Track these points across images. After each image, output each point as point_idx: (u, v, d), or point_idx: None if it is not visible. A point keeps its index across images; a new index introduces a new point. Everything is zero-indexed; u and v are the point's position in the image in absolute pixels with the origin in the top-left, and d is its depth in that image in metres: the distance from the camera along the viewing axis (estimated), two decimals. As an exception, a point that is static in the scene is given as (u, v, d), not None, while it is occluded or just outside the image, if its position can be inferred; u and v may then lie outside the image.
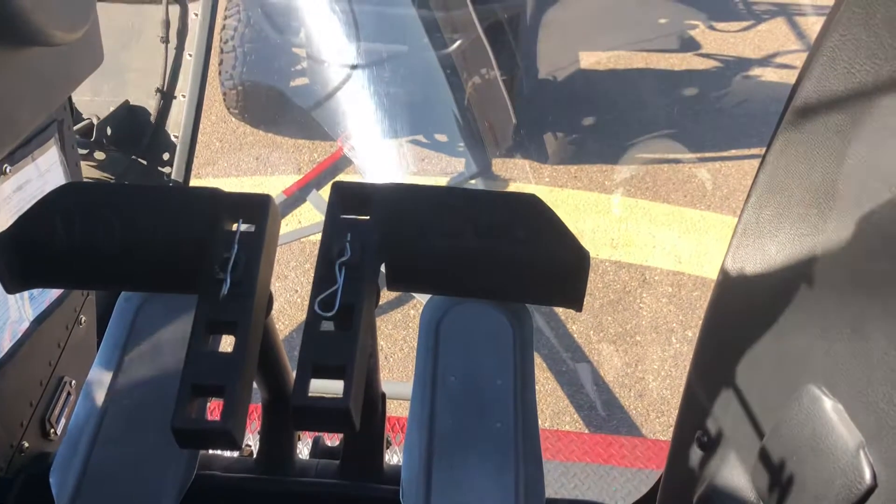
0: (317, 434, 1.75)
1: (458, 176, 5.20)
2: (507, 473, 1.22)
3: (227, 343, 1.02)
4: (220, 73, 5.18)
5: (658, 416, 3.85)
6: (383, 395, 1.49)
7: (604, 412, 3.87)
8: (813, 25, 6.53)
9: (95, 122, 2.57)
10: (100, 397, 1.29)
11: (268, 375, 1.39)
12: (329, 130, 4.97)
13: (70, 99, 1.66)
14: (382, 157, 5.05)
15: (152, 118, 2.64)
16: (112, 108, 2.62)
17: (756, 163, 1.14)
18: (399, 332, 4.22)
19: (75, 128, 2.46)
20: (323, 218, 1.10)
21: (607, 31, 6.58)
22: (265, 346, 1.13)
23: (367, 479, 1.49)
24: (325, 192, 4.59)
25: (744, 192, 1.18)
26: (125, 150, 2.67)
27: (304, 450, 1.80)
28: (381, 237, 1.07)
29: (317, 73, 5.04)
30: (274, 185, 5.12)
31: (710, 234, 4.86)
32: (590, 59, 6.30)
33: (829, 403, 0.98)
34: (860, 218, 0.92)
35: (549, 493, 1.24)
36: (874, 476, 0.90)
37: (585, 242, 1.08)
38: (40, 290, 1.57)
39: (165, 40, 2.60)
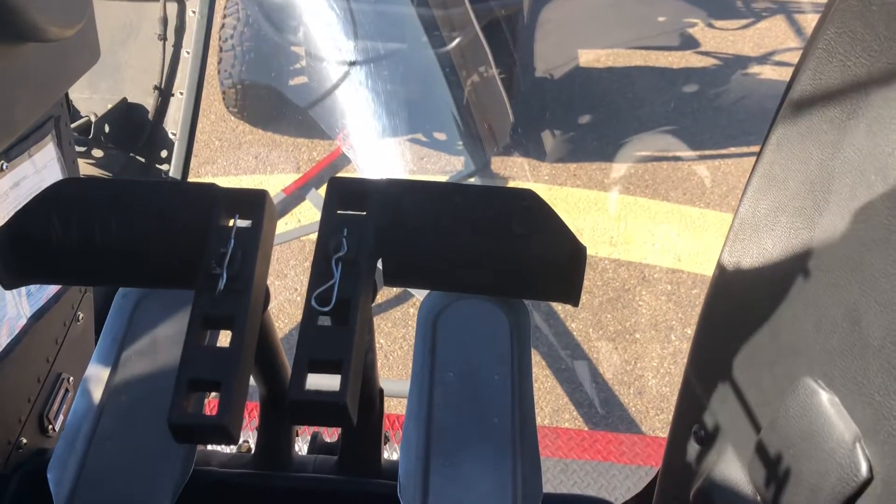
0: (315, 430, 1.75)
1: (457, 174, 5.20)
2: (505, 468, 1.23)
3: (224, 339, 1.03)
4: (219, 72, 5.18)
5: (657, 414, 3.85)
6: (381, 391, 1.50)
7: (602, 410, 3.87)
8: (812, 23, 6.52)
9: (93, 119, 2.57)
10: (97, 394, 1.29)
11: (265, 371, 1.39)
12: (328, 129, 4.97)
13: (67, 95, 1.66)
14: (381, 155, 5.05)
15: (150, 115, 2.64)
16: (110, 106, 2.62)
17: (754, 160, 1.14)
18: (398, 329, 4.22)
19: (73, 125, 2.46)
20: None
21: (605, 28, 6.58)
22: (262, 342, 1.14)
23: (365, 474, 1.49)
24: (325, 190, 4.59)
25: (742, 189, 1.18)
26: (123, 148, 2.67)
27: (302, 446, 1.80)
28: (377, 233, 1.07)
29: (315, 72, 5.03)
30: (273, 184, 5.12)
31: (710, 232, 4.86)
32: (588, 57, 6.30)
33: (825, 396, 0.98)
34: (856, 210, 0.92)
35: (548, 489, 1.24)
36: (870, 468, 0.90)
37: (584, 240, 1.08)
38: (38, 286, 1.57)
39: (163, 37, 2.60)
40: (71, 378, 1.71)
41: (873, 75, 0.88)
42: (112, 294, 1.42)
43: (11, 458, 1.51)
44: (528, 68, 6.02)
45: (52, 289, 1.63)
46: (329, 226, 1.06)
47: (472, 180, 5.14)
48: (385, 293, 4.20)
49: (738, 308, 1.20)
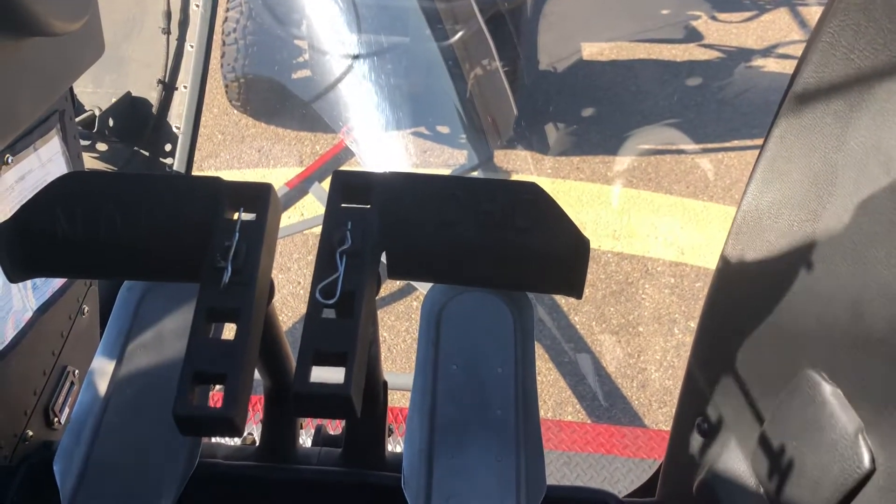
0: (319, 422, 1.76)
1: (460, 167, 5.19)
2: (508, 461, 1.23)
3: (229, 331, 1.03)
4: (222, 66, 5.18)
5: (660, 407, 3.86)
6: (385, 384, 1.50)
7: (606, 403, 3.88)
8: (815, 15, 6.50)
9: (97, 113, 2.57)
10: (103, 386, 1.30)
11: (270, 364, 1.40)
12: (331, 122, 4.96)
13: (71, 89, 1.66)
14: (384, 148, 5.04)
15: (154, 109, 2.64)
16: (114, 100, 2.62)
17: (758, 153, 1.14)
18: (402, 323, 4.23)
19: (77, 119, 2.47)
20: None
21: (609, 21, 6.56)
22: (267, 335, 1.14)
23: (369, 466, 1.49)
24: (327, 184, 4.59)
25: (745, 182, 1.18)
26: (127, 142, 2.68)
27: (306, 438, 1.81)
28: (381, 226, 1.07)
29: (318, 65, 5.02)
30: (276, 177, 5.12)
31: (713, 225, 4.86)
32: (591, 50, 6.29)
33: (828, 389, 0.98)
34: (859, 203, 0.92)
35: (551, 481, 1.24)
36: (872, 460, 0.90)
37: (587, 233, 1.08)
38: (43, 279, 1.58)
39: (167, 31, 2.60)
40: (76, 371, 1.72)
41: (877, 68, 0.88)
42: (117, 287, 1.42)
43: (17, 450, 1.52)
44: (531, 61, 6.01)
45: (58, 282, 1.63)
46: (333, 219, 1.06)
47: (475, 174, 5.14)
48: (388, 286, 4.21)
49: (742, 301, 1.21)
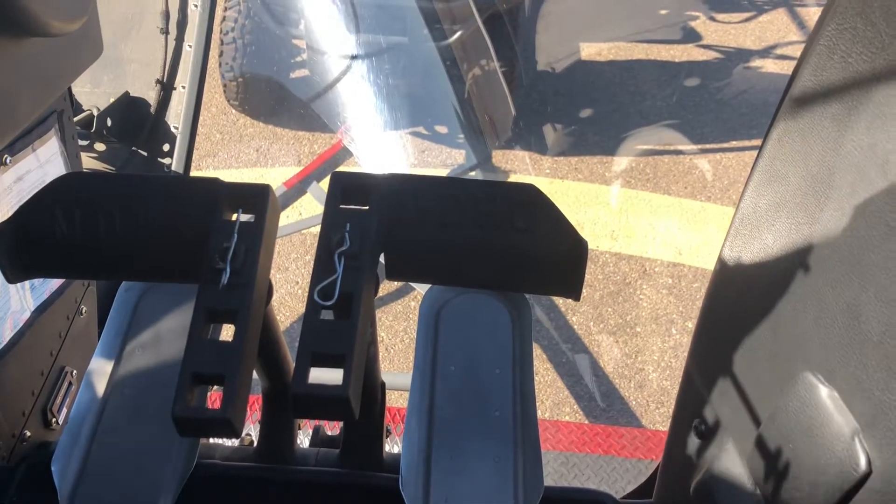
0: (317, 423, 1.76)
1: (458, 167, 5.20)
2: (506, 462, 1.23)
3: (227, 333, 1.03)
4: (220, 65, 5.18)
5: (658, 407, 3.87)
6: (383, 385, 1.50)
7: (603, 403, 3.88)
8: (813, 16, 6.51)
9: (96, 113, 2.57)
10: (101, 387, 1.30)
11: (268, 364, 1.40)
12: (329, 122, 4.97)
13: (70, 90, 1.66)
14: (382, 148, 5.05)
15: (152, 109, 2.64)
16: (112, 100, 2.62)
17: (756, 154, 1.14)
18: (400, 323, 4.23)
19: (75, 119, 2.47)
20: (322, 209, 1.10)
21: (607, 21, 6.57)
22: (265, 336, 1.14)
23: (367, 467, 1.49)
24: (325, 184, 4.60)
25: (743, 183, 1.19)
26: (125, 142, 2.68)
27: (304, 439, 1.81)
28: (380, 227, 1.07)
29: (317, 65, 5.03)
30: (274, 177, 5.12)
31: (711, 226, 4.86)
32: (590, 50, 6.29)
33: (824, 391, 0.99)
34: (856, 206, 0.92)
35: (549, 482, 1.25)
36: (869, 462, 0.91)
37: (586, 234, 1.09)
38: (41, 279, 1.58)
39: (165, 31, 2.60)
40: (74, 371, 1.72)
41: (874, 72, 0.88)
42: (115, 288, 1.42)
43: (16, 450, 1.52)
44: (529, 62, 6.01)
45: (56, 282, 1.63)
46: (332, 220, 1.07)
47: (473, 174, 5.14)
48: (386, 285, 4.21)
49: (739, 303, 1.21)
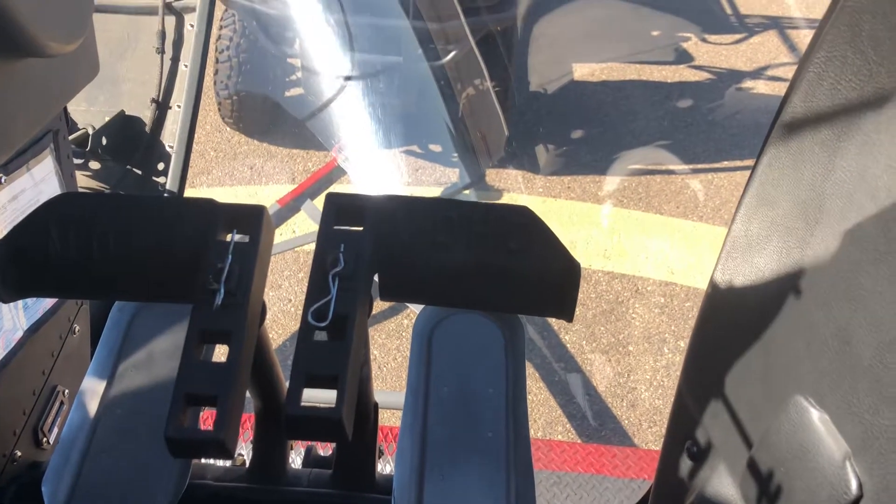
0: (309, 443, 1.75)
1: (452, 186, 5.22)
2: (499, 483, 1.23)
3: (220, 353, 1.03)
4: (215, 84, 5.20)
5: (650, 426, 3.86)
6: (376, 405, 1.50)
7: (595, 422, 3.88)
8: (805, 38, 6.58)
9: (91, 131, 2.57)
10: (93, 407, 1.29)
11: (261, 385, 1.40)
12: (323, 140, 4.99)
13: (66, 109, 1.66)
14: (376, 167, 5.06)
15: (147, 128, 2.65)
16: (107, 118, 2.62)
17: (747, 174, 1.16)
18: (392, 341, 4.22)
19: (71, 137, 2.47)
20: (317, 227, 1.11)
21: (599, 43, 6.62)
22: (258, 356, 1.14)
23: (360, 488, 1.49)
24: (319, 201, 4.60)
25: (735, 202, 1.20)
26: (120, 160, 2.68)
27: (296, 459, 1.80)
28: (374, 248, 1.08)
29: (311, 84, 5.05)
30: (268, 194, 5.13)
31: (702, 245, 4.88)
32: (582, 71, 6.34)
33: (815, 414, 0.99)
34: (846, 231, 0.93)
35: (542, 502, 1.24)
36: (860, 486, 0.91)
37: (578, 253, 1.09)
38: (34, 299, 1.58)
39: (161, 51, 2.61)
40: (66, 391, 1.71)
41: (863, 99, 0.89)
42: (108, 307, 1.42)
43: (6, 470, 1.51)
44: (522, 82, 6.05)
45: (49, 301, 1.63)
46: (326, 241, 1.07)
47: (467, 192, 5.16)
48: (380, 304, 4.20)
49: (731, 326, 1.22)
